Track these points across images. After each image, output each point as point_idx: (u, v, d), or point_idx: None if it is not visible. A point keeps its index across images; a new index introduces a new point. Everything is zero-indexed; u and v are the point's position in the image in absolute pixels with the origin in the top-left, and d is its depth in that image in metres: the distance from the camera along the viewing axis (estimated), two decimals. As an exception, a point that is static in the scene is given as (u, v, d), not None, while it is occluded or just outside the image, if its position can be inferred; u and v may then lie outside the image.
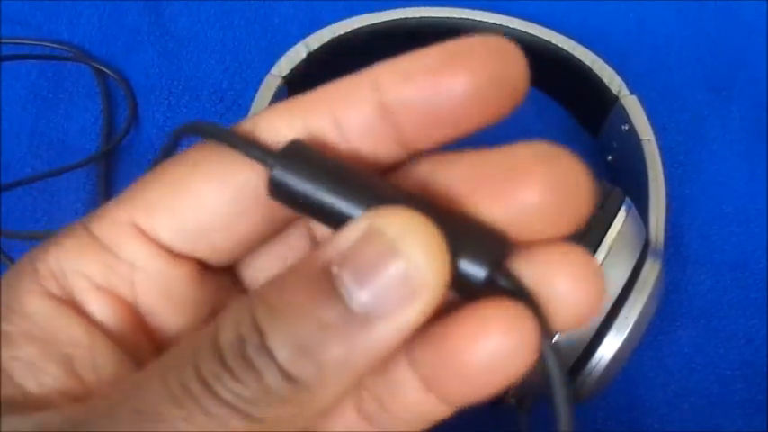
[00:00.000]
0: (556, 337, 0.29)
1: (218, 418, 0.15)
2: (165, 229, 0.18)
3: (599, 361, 0.30)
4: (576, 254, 0.17)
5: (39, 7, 0.47)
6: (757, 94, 0.45)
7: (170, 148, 0.19)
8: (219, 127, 0.18)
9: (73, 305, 0.18)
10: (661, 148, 0.36)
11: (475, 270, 0.16)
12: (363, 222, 0.15)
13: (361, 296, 0.15)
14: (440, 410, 0.18)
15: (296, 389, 0.15)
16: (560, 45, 0.38)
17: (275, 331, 0.15)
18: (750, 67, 0.46)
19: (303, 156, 0.17)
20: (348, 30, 0.38)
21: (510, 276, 0.16)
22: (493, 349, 0.16)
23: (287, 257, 0.20)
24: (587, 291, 0.16)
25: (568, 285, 0.16)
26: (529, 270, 0.16)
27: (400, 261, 0.15)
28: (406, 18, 0.39)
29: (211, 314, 0.19)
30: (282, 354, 0.15)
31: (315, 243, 0.20)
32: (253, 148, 0.17)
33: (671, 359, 0.38)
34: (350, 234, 0.15)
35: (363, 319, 0.15)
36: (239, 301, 0.15)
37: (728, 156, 0.43)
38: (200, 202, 0.18)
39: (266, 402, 0.15)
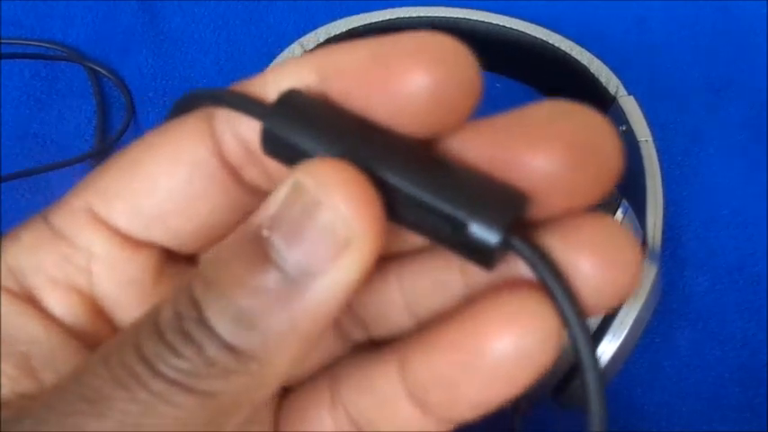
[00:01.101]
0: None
1: (163, 395, 0.14)
2: (121, 214, 0.17)
3: (596, 364, 0.29)
4: (606, 223, 0.15)
5: (32, 8, 0.47)
6: (755, 96, 0.45)
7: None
8: (215, 89, 0.17)
9: (31, 302, 0.17)
10: (658, 149, 0.35)
11: (487, 234, 0.14)
12: (289, 180, 0.15)
13: (292, 256, 0.14)
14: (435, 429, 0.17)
15: (242, 360, 0.15)
16: (558, 45, 0.38)
17: (212, 304, 0.14)
18: (748, 68, 0.45)
19: (300, 105, 0.16)
20: (344, 29, 0.38)
21: (528, 243, 0.14)
22: (514, 347, 0.15)
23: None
24: (621, 266, 0.15)
25: (598, 260, 0.15)
26: (549, 244, 0.15)
27: (324, 214, 0.14)
28: (401, 17, 0.39)
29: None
30: (221, 326, 0.14)
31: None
32: (244, 103, 0.16)
33: (668, 362, 0.38)
34: (278, 194, 0.15)
35: (299, 281, 0.14)
36: (179, 280, 0.15)
37: (726, 157, 0.43)
38: (154, 185, 0.17)
39: (212, 375, 0.14)
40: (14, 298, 0.17)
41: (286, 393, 0.20)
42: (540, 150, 0.14)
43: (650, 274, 0.30)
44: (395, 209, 0.15)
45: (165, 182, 0.17)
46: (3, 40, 0.45)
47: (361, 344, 0.19)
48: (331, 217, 0.14)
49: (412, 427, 0.17)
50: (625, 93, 0.37)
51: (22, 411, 0.15)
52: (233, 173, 0.17)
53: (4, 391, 0.16)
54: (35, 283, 0.17)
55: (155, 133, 0.17)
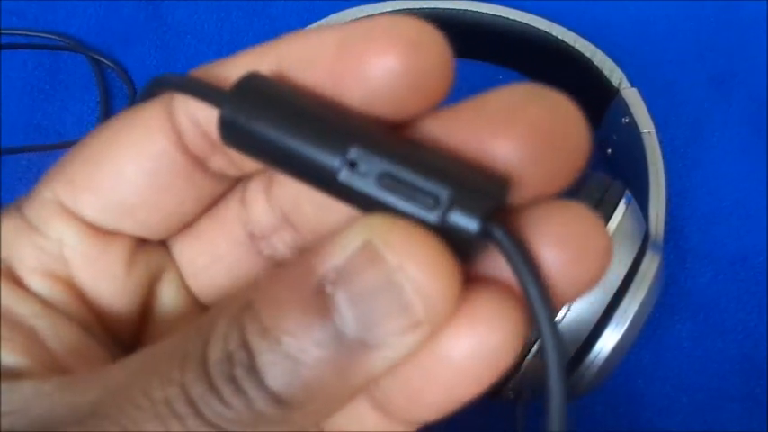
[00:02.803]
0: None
1: None
2: (88, 206, 0.17)
3: (598, 354, 0.30)
4: (575, 211, 0.15)
5: (35, -2, 0.47)
6: (757, 88, 0.45)
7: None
8: (178, 76, 0.16)
9: (22, 286, 0.17)
10: (661, 141, 0.35)
11: (466, 222, 0.14)
12: (359, 234, 0.14)
13: (356, 323, 0.14)
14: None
15: (284, 411, 0.14)
16: (561, 37, 0.38)
17: (265, 352, 0.14)
18: (750, 60, 0.45)
19: (260, 90, 0.15)
20: (346, 21, 0.38)
21: (508, 233, 0.14)
22: (475, 349, 0.14)
23: (220, 232, 0.19)
24: (590, 255, 0.14)
25: (567, 251, 0.14)
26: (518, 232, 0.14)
27: (401, 291, 0.13)
28: (406, 9, 0.39)
29: (151, 283, 0.19)
30: (272, 376, 0.14)
31: (244, 204, 0.19)
32: (202, 89, 0.15)
33: (670, 353, 0.38)
34: (343, 245, 0.14)
35: (357, 346, 0.14)
36: (229, 313, 0.15)
37: (728, 149, 0.43)
38: (119, 178, 0.17)
39: (253, 424, 0.14)
40: (9, 281, 0.17)
41: None
42: (506, 136, 0.14)
43: (653, 265, 0.30)
44: (363, 196, 0.14)
45: (130, 176, 0.17)
46: (6, 31, 0.45)
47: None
48: (409, 294, 0.13)
49: (376, 430, 0.17)
50: (628, 85, 0.37)
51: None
52: (197, 163, 0.17)
53: (18, 358, 0.16)
54: (20, 271, 0.17)
55: (118, 121, 0.17)
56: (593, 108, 0.40)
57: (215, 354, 0.14)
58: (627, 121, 0.37)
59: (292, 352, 0.14)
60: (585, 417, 0.37)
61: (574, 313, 0.29)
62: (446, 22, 0.40)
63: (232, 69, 0.16)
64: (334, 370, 0.14)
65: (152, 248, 0.19)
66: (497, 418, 0.35)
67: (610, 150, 0.40)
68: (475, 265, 0.15)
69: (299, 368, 0.14)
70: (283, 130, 0.14)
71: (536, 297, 0.14)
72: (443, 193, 0.14)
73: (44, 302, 0.17)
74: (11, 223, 0.18)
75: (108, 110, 0.44)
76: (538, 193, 0.15)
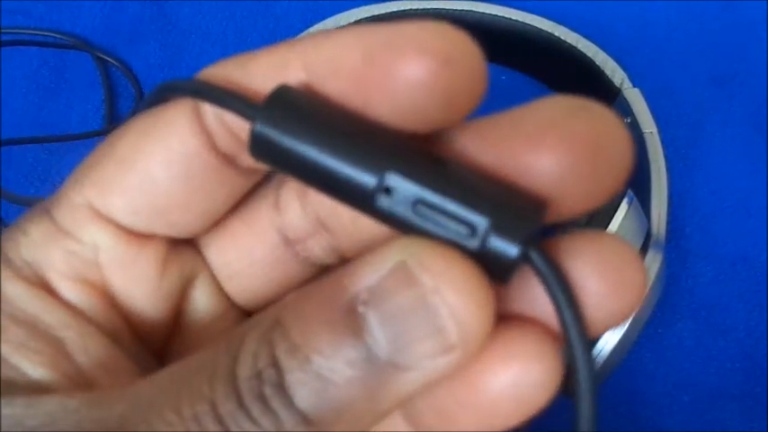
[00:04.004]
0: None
1: None
2: (120, 210, 0.17)
3: (599, 353, 0.30)
4: (612, 242, 0.14)
5: (41, -3, 0.47)
6: (759, 88, 0.45)
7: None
8: (196, 82, 0.16)
9: (51, 292, 0.17)
10: (663, 141, 0.36)
11: (505, 247, 0.13)
12: (394, 256, 0.14)
13: (387, 344, 0.13)
14: None
15: (313, 428, 0.14)
16: (563, 37, 0.38)
17: (294, 370, 0.14)
18: (752, 61, 0.45)
19: (293, 105, 0.14)
20: (351, 21, 0.38)
21: (546, 258, 0.14)
22: (512, 386, 0.14)
23: (254, 236, 0.19)
24: (627, 286, 0.14)
25: (605, 281, 0.14)
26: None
27: (435, 314, 0.13)
28: (408, 9, 0.39)
29: (183, 287, 0.19)
30: (301, 395, 0.14)
31: (278, 209, 0.18)
32: (231, 100, 0.15)
33: (671, 352, 0.38)
34: (379, 267, 0.14)
35: (387, 367, 0.14)
36: (259, 330, 0.15)
37: (730, 149, 0.43)
38: (150, 179, 0.17)
39: None
40: (35, 286, 0.17)
41: None
42: (547, 149, 0.14)
43: (655, 264, 0.31)
44: (400, 221, 0.14)
45: (161, 178, 0.17)
46: (11, 30, 0.46)
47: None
48: (444, 318, 0.13)
49: None
50: (630, 85, 0.37)
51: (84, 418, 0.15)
52: (228, 160, 0.17)
53: (42, 371, 0.16)
54: (50, 276, 0.17)
55: (144, 121, 0.17)
56: (596, 108, 0.40)
57: (244, 371, 0.14)
58: (629, 121, 0.37)
59: (322, 371, 0.14)
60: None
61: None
62: (449, 23, 0.40)
63: (255, 69, 0.16)
64: (363, 391, 0.14)
65: (185, 252, 0.19)
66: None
67: (612, 150, 0.40)
68: (515, 301, 0.15)
69: (329, 388, 0.14)
70: (318, 148, 0.14)
71: (571, 322, 0.14)
72: (481, 222, 0.13)
73: (74, 311, 0.17)
74: (40, 227, 0.17)
75: (113, 108, 0.44)
76: (578, 209, 0.14)
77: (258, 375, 0.14)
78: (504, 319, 0.15)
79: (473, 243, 0.14)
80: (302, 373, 0.14)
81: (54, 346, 0.16)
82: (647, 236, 0.32)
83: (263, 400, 0.14)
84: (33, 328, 0.16)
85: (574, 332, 0.14)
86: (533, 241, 0.13)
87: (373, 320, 0.14)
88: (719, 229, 0.41)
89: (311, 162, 0.14)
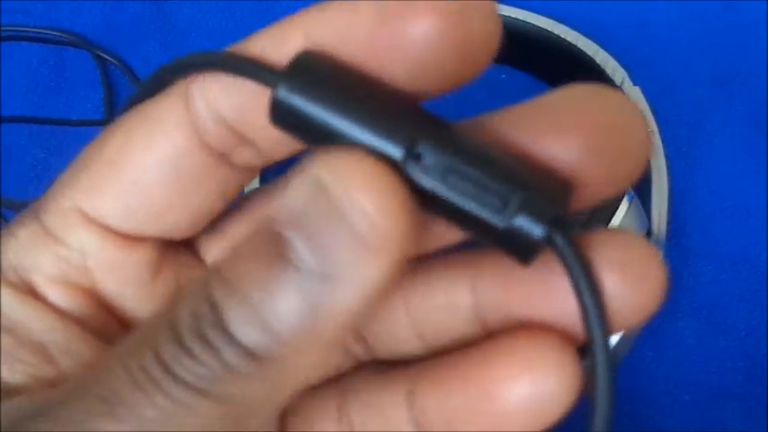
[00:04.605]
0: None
1: (181, 399, 0.14)
2: (109, 212, 0.17)
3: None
4: (632, 240, 0.14)
5: (40, -4, 0.47)
6: (759, 88, 0.44)
7: (149, 92, 0.17)
8: (210, 54, 0.15)
9: (37, 297, 0.17)
10: (663, 140, 0.35)
11: (530, 227, 0.13)
12: (308, 176, 0.14)
13: (312, 259, 0.13)
14: None
15: (260, 365, 0.14)
16: (563, 36, 0.38)
17: (231, 306, 0.14)
18: (752, 60, 0.45)
19: (316, 70, 0.14)
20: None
21: (570, 242, 0.13)
22: (528, 395, 0.14)
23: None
24: (648, 284, 0.14)
25: (626, 278, 0.14)
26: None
27: (347, 214, 0.13)
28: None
29: (178, 290, 0.18)
30: (240, 330, 0.14)
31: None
32: (250, 67, 0.14)
33: (671, 351, 0.38)
34: (297, 191, 0.14)
35: (320, 285, 0.13)
36: (196, 278, 0.15)
37: (730, 148, 0.43)
38: (140, 183, 0.16)
39: (230, 380, 0.14)
40: (22, 291, 0.17)
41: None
42: (569, 135, 0.14)
43: (655, 262, 0.30)
44: (427, 192, 0.14)
45: (150, 179, 0.16)
46: (11, 28, 0.45)
47: (367, 362, 0.19)
48: (355, 218, 0.13)
49: None
50: (630, 84, 0.37)
51: (39, 408, 0.15)
52: (221, 158, 0.16)
53: (21, 377, 0.16)
54: (36, 280, 0.17)
55: (132, 120, 0.17)
56: (596, 107, 0.40)
57: (183, 315, 0.14)
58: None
59: (256, 302, 0.14)
60: (584, 415, 0.37)
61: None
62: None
63: (253, 46, 0.15)
64: (302, 317, 0.14)
65: (182, 254, 0.18)
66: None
67: (612, 149, 0.40)
68: (533, 306, 0.15)
69: (267, 319, 0.14)
70: (343, 115, 0.14)
71: (591, 307, 0.13)
72: (515, 197, 0.13)
73: (60, 314, 0.17)
74: (28, 231, 0.17)
75: (112, 107, 0.44)
76: (600, 194, 0.14)
77: (197, 317, 0.14)
78: (522, 325, 0.15)
79: (500, 219, 0.13)
80: (239, 308, 0.14)
81: (36, 351, 0.16)
82: (648, 235, 0.32)
83: (203, 338, 0.14)
84: (17, 335, 0.16)
85: (594, 318, 0.13)
86: (558, 225, 0.13)
87: (297, 240, 0.14)
88: (720, 229, 0.41)
89: (334, 129, 0.14)
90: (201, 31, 0.46)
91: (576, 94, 0.14)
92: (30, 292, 0.17)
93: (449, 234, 0.16)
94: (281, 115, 0.14)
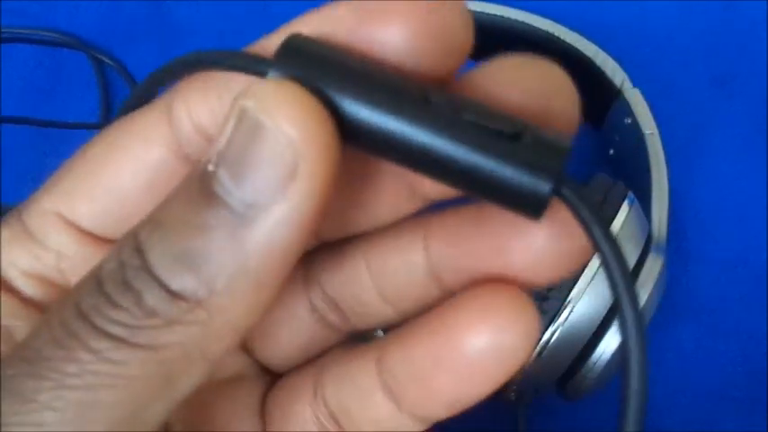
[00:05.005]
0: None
1: (103, 352, 0.13)
2: (86, 216, 0.17)
3: (600, 356, 0.29)
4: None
5: (37, -4, 0.47)
6: (759, 90, 0.44)
7: (144, 95, 0.17)
8: (204, 53, 0.15)
9: (10, 290, 0.17)
10: (663, 142, 0.35)
11: (538, 183, 0.13)
12: (233, 106, 0.13)
13: (237, 190, 0.13)
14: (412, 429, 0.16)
15: (186, 307, 0.13)
16: (563, 37, 0.38)
17: (155, 246, 0.13)
18: (752, 62, 0.45)
19: (307, 53, 0.14)
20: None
21: (578, 193, 0.13)
22: (490, 343, 0.15)
23: None
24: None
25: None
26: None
27: (268, 139, 0.13)
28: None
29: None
30: (163, 269, 0.13)
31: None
32: (238, 60, 0.14)
33: (671, 354, 0.38)
34: (225, 126, 0.13)
35: (245, 215, 0.13)
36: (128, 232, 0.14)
37: (730, 151, 0.43)
38: (117, 187, 0.17)
39: (153, 327, 0.13)
40: None
41: (274, 381, 0.19)
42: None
43: (656, 267, 0.30)
44: (435, 161, 0.14)
45: (128, 185, 0.17)
46: (6, 30, 0.45)
47: (351, 335, 0.19)
48: (275, 141, 0.13)
49: (388, 424, 0.17)
50: (630, 85, 0.37)
51: None
52: None
53: None
54: (11, 274, 0.17)
55: (115, 130, 0.17)
56: (596, 108, 0.40)
57: (109, 265, 0.14)
58: (629, 121, 0.37)
59: (181, 239, 0.13)
60: (586, 417, 0.37)
61: (576, 315, 0.29)
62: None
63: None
64: (227, 250, 0.13)
65: None
66: (499, 420, 0.35)
67: (612, 151, 0.40)
68: (491, 258, 0.15)
69: (192, 256, 0.13)
70: (344, 83, 0.14)
71: (610, 256, 0.13)
72: (526, 133, 0.13)
73: (30, 304, 0.17)
74: (10, 230, 0.17)
75: (109, 109, 0.44)
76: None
77: (121, 265, 0.14)
78: (477, 281, 0.15)
79: (509, 169, 0.13)
80: (162, 247, 0.13)
81: (5, 338, 0.16)
82: (648, 238, 0.32)
83: (124, 283, 0.13)
84: None
85: (614, 266, 0.13)
86: (563, 175, 0.13)
87: (222, 174, 0.13)
88: (720, 231, 0.41)
89: (337, 100, 0.14)
90: (198, 32, 0.46)
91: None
92: (5, 284, 0.17)
93: (408, 203, 0.17)
94: None
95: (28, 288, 0.17)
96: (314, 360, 0.19)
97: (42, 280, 0.17)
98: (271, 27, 0.50)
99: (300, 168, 0.13)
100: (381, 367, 0.17)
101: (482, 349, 0.15)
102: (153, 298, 0.13)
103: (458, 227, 0.16)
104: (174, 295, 0.13)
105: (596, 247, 0.14)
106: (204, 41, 0.46)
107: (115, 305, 0.13)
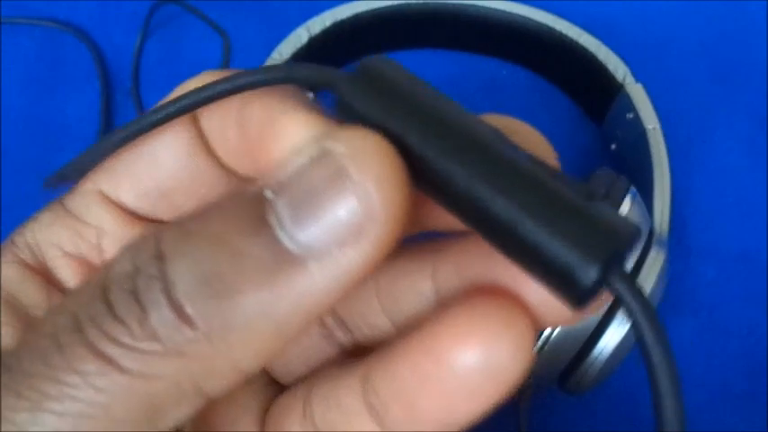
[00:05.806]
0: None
1: (89, 377, 0.12)
2: (127, 192, 0.17)
3: (601, 351, 0.29)
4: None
5: (38, -10, 0.47)
6: (761, 85, 0.44)
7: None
8: (278, 67, 0.15)
9: (44, 273, 0.18)
10: (665, 137, 0.35)
11: (583, 269, 0.12)
12: (312, 144, 0.12)
13: (294, 227, 0.12)
14: None
15: (191, 337, 0.12)
16: (565, 32, 0.38)
17: (178, 259, 0.12)
18: (755, 57, 0.45)
19: (384, 75, 0.14)
20: (350, 14, 0.38)
21: (630, 283, 0.12)
22: (479, 360, 0.13)
23: None
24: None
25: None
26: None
27: (348, 188, 0.12)
28: (407, 3, 0.39)
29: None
30: (180, 285, 0.12)
31: None
32: (317, 72, 0.14)
33: (672, 350, 0.38)
34: (296, 157, 0.12)
35: (295, 258, 0.12)
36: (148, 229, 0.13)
37: (732, 146, 0.43)
38: (157, 165, 0.17)
39: (150, 353, 0.12)
40: (28, 269, 0.17)
41: (279, 392, 0.19)
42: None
43: (657, 261, 0.30)
44: (482, 220, 0.13)
45: (167, 161, 0.17)
46: (7, 20, 0.45)
47: (350, 350, 0.18)
48: (354, 194, 0.12)
49: None
50: (633, 80, 0.37)
51: None
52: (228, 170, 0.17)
53: (9, 339, 0.16)
54: (50, 256, 0.18)
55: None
56: (598, 103, 0.39)
57: (120, 267, 0.12)
58: (631, 116, 0.37)
59: (213, 258, 0.12)
60: (586, 415, 0.36)
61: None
62: (450, 17, 0.40)
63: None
64: (261, 287, 0.12)
65: None
66: (499, 415, 0.35)
67: (614, 146, 0.40)
68: (485, 270, 0.15)
69: (218, 278, 0.12)
70: (401, 120, 0.13)
71: (662, 364, 0.13)
72: (561, 236, 0.12)
73: (59, 292, 0.17)
74: (50, 213, 0.18)
75: (110, 102, 0.44)
76: None
77: (135, 269, 0.12)
78: (476, 288, 0.14)
79: (549, 260, 0.12)
80: (189, 260, 0.12)
81: (22, 320, 0.16)
82: (650, 232, 0.31)
83: (133, 293, 0.12)
84: (10, 307, 0.16)
85: (663, 374, 0.13)
86: (615, 264, 0.12)
87: (282, 204, 0.12)
88: (722, 226, 0.41)
89: (398, 133, 0.13)
90: (200, 27, 0.46)
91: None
92: (39, 268, 0.18)
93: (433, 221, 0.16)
94: (346, 117, 0.14)
95: (65, 271, 0.18)
96: (309, 375, 0.18)
97: (83, 263, 0.18)
98: (272, 21, 0.49)
99: (368, 229, 0.12)
100: (366, 386, 0.15)
101: (470, 366, 0.13)
102: (159, 318, 0.12)
103: (468, 255, 0.15)
104: (184, 320, 0.12)
105: (645, 354, 0.13)
106: (206, 36, 0.46)
107: (115, 317, 0.12)
